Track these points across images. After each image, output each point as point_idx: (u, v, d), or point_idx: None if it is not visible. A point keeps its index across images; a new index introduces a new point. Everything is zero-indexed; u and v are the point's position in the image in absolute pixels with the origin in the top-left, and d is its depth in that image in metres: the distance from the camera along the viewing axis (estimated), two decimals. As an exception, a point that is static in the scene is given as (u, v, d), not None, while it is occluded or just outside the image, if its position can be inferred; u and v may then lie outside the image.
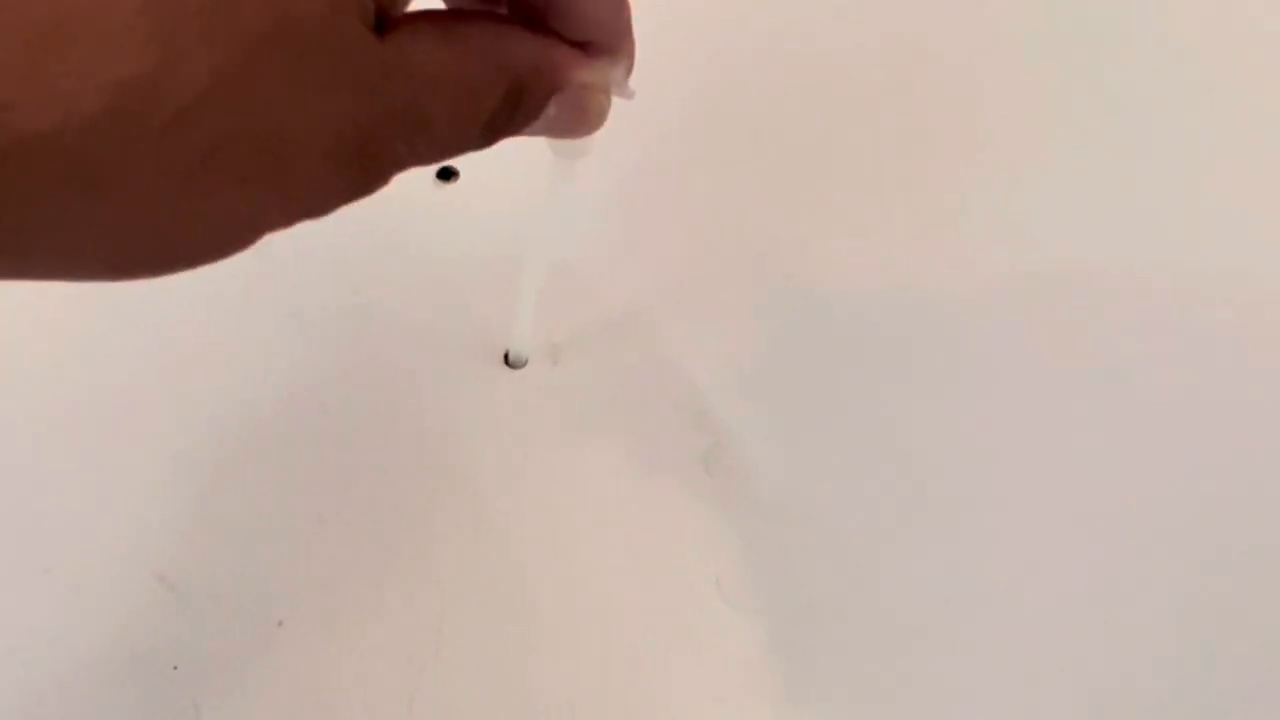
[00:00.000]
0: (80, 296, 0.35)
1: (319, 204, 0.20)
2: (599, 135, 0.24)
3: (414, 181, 0.29)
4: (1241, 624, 0.33)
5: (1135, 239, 0.39)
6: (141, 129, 0.16)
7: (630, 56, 0.24)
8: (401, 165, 0.21)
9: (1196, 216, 0.40)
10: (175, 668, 0.31)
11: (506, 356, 0.36)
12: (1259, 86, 0.44)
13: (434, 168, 0.38)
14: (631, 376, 0.36)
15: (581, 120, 0.23)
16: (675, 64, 0.42)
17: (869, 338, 0.37)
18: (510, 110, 0.21)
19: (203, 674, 0.31)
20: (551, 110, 0.22)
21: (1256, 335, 0.38)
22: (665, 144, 0.40)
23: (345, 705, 0.31)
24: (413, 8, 0.21)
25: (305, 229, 0.20)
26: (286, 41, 0.18)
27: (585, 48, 0.23)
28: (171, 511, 0.33)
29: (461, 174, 0.39)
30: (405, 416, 0.35)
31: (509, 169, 0.38)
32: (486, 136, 0.22)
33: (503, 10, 0.23)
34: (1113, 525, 0.34)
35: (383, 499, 0.34)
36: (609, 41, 0.23)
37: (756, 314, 0.37)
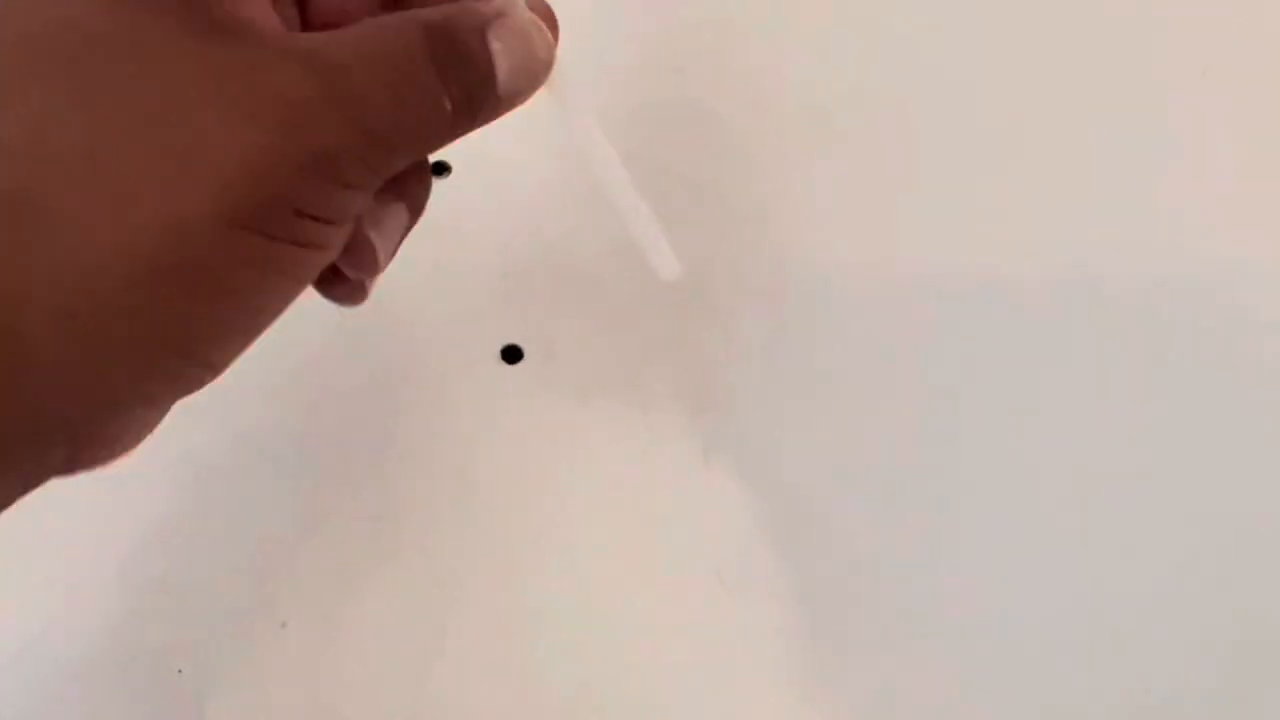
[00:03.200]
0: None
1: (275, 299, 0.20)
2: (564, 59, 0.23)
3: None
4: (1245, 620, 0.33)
5: (1136, 238, 0.39)
6: None
7: None
8: (361, 154, 0.19)
9: (1198, 216, 0.40)
10: (179, 671, 0.31)
11: (503, 353, 0.36)
12: (1260, 86, 0.43)
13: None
14: (628, 370, 0.36)
15: (527, 41, 0.22)
16: (676, 55, 0.42)
17: (869, 328, 0.37)
18: (453, 67, 0.20)
19: (207, 676, 0.31)
20: (497, 45, 0.21)
21: (1257, 335, 0.37)
22: (664, 134, 0.40)
23: (350, 705, 0.31)
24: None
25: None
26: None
27: None
28: (172, 514, 0.33)
29: (454, 169, 0.39)
30: (403, 414, 0.35)
31: (501, 161, 0.38)
32: (457, 100, 0.20)
33: None
34: (1118, 511, 0.34)
35: (383, 498, 0.34)
36: None
37: (756, 305, 0.37)
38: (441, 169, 0.38)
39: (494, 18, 0.21)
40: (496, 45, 0.21)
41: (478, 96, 0.21)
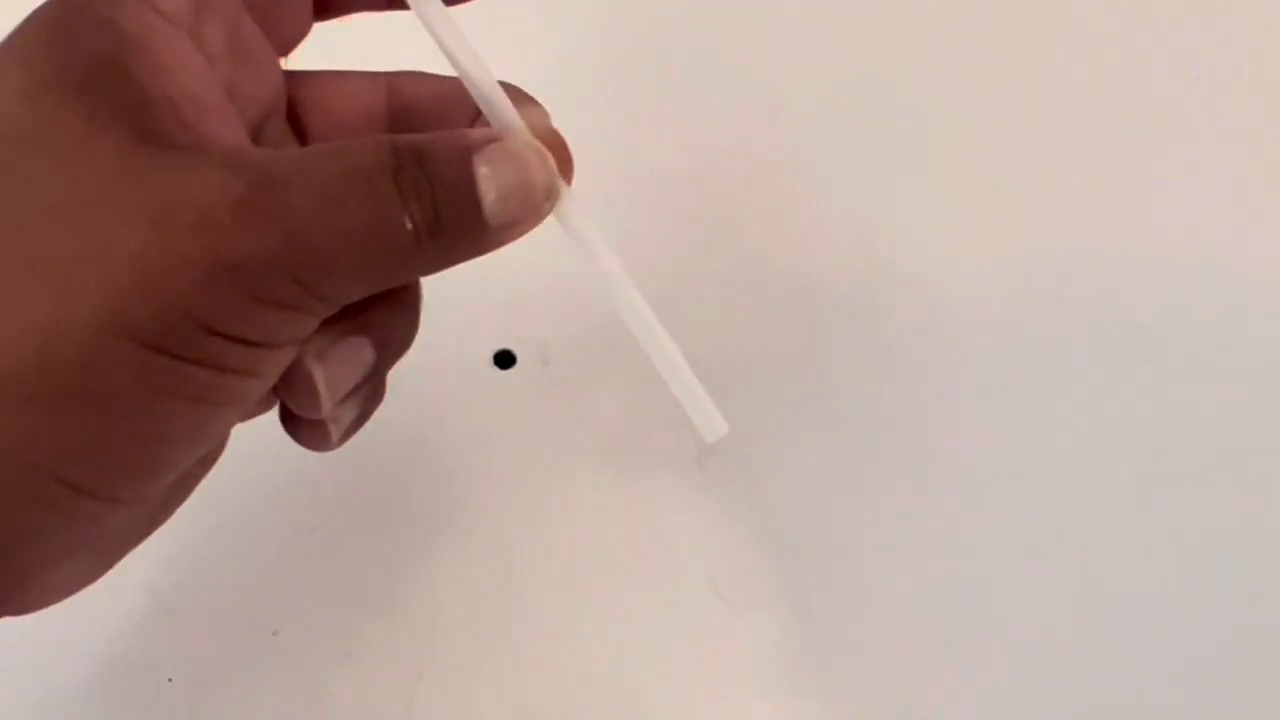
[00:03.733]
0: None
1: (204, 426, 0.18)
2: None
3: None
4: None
5: (1138, 240, 0.39)
6: None
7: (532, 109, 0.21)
8: (276, 330, 0.18)
9: (1197, 216, 0.40)
10: (170, 680, 0.31)
11: (496, 358, 0.36)
12: (1259, 88, 0.43)
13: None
14: (622, 376, 0.36)
15: (522, 164, 0.20)
16: (668, 62, 0.42)
17: (862, 334, 0.37)
18: (419, 186, 0.18)
19: (199, 685, 0.31)
20: (484, 169, 0.19)
21: (1259, 336, 0.37)
22: (655, 142, 0.40)
23: (343, 713, 0.31)
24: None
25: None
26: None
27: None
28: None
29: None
30: (395, 422, 0.35)
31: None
32: (424, 231, 0.18)
33: None
34: (1122, 522, 0.34)
35: (374, 506, 0.33)
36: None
37: (749, 312, 0.37)
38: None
39: (485, 142, 0.19)
40: (483, 170, 0.19)
41: (451, 221, 0.19)
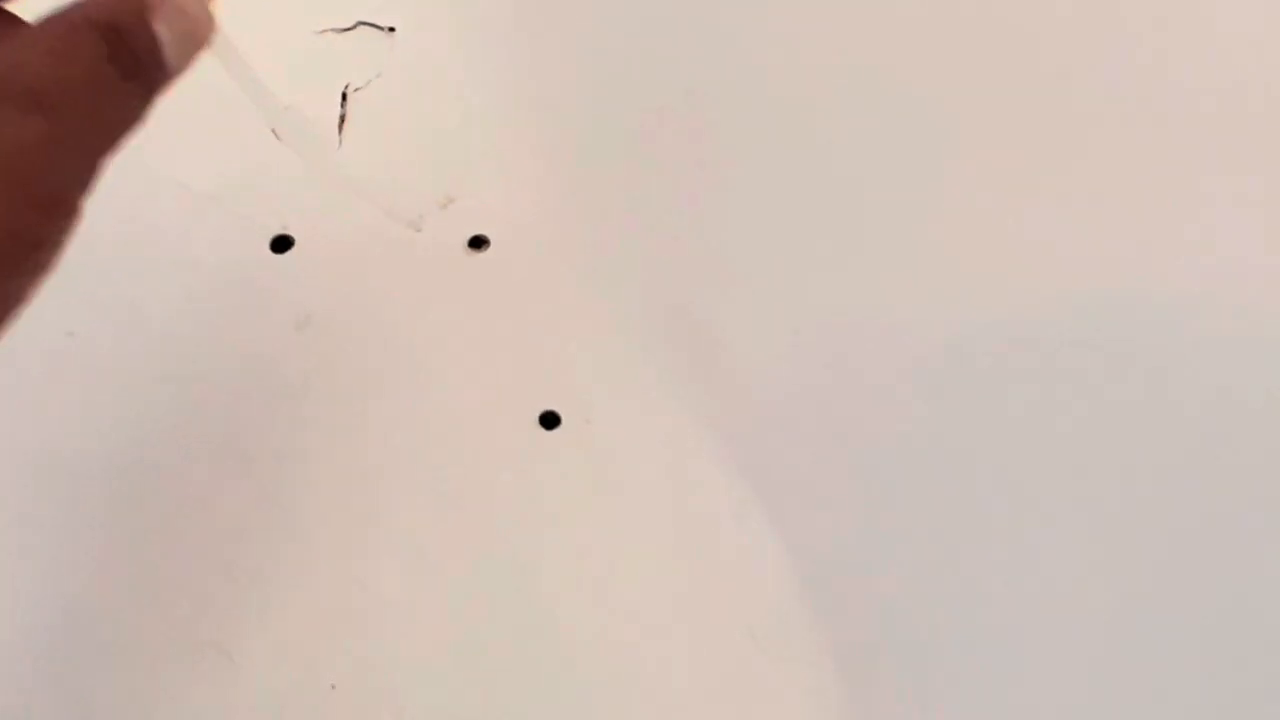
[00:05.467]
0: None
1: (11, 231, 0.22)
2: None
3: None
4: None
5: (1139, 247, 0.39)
6: None
7: None
8: (65, 151, 0.22)
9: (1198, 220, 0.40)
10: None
11: (542, 418, 0.37)
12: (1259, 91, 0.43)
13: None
14: (664, 432, 0.37)
15: (187, 16, 0.26)
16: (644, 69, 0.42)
17: (899, 385, 0.37)
18: (126, 47, 0.24)
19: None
20: (162, 26, 0.25)
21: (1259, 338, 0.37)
22: (667, 187, 0.41)
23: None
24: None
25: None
26: None
27: None
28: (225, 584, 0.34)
29: (492, 242, 0.40)
30: (445, 480, 0.36)
31: (537, 232, 0.40)
32: (130, 77, 0.24)
33: None
34: (1151, 564, 0.34)
35: (425, 556, 0.35)
36: None
37: (781, 367, 0.38)
38: (481, 242, 0.40)
39: (159, 4, 0.25)
40: (161, 28, 0.25)
41: (146, 67, 0.24)
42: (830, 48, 0.44)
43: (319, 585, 0.34)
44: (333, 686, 0.33)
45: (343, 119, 0.41)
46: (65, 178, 0.23)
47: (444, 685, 0.33)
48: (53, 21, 0.23)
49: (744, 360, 0.38)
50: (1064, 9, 0.44)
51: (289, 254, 0.39)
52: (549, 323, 0.38)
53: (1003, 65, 0.43)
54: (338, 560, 0.34)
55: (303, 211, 0.39)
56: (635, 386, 0.37)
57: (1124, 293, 0.39)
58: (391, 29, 0.43)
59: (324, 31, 0.43)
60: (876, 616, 0.34)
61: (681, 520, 0.35)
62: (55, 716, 0.32)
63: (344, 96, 0.42)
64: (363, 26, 0.43)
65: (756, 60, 0.43)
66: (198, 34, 0.26)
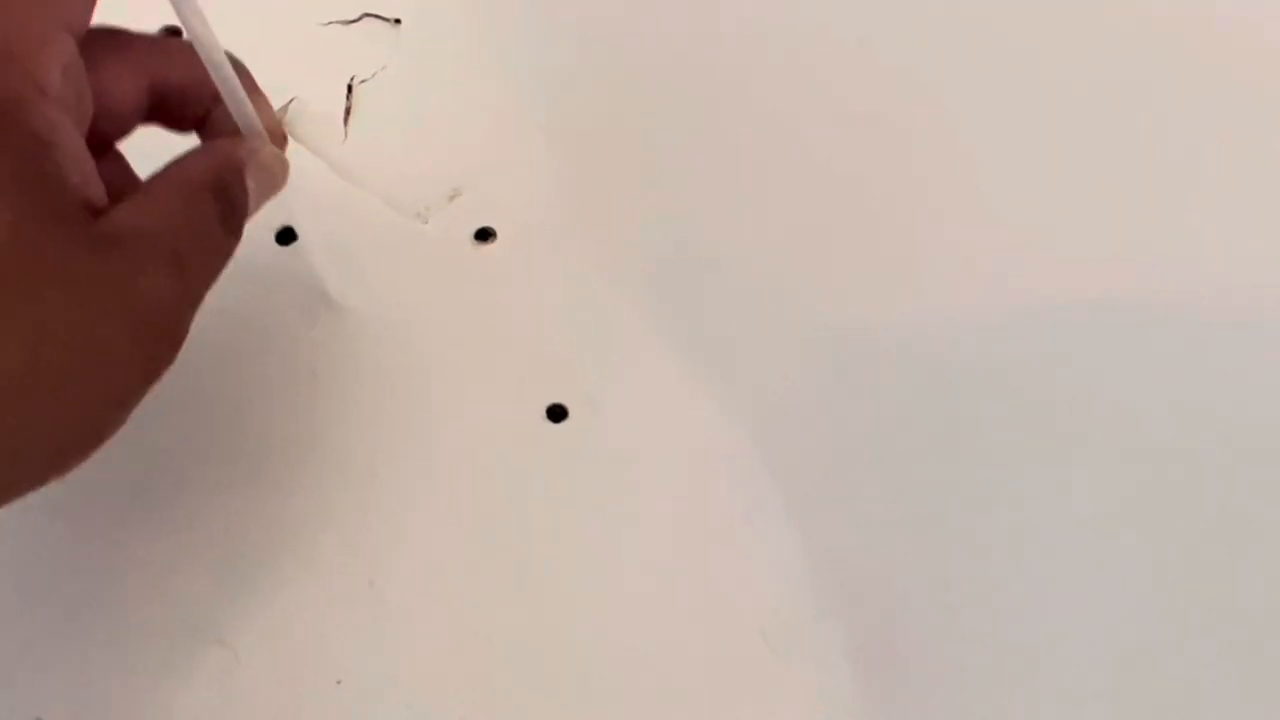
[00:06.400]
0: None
1: (149, 369, 0.25)
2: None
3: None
4: None
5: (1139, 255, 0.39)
6: None
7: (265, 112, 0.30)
8: (191, 303, 0.26)
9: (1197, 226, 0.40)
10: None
11: (549, 411, 0.37)
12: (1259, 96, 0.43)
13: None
14: (672, 429, 0.36)
15: (270, 172, 0.29)
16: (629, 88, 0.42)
17: (911, 386, 0.37)
18: (230, 206, 0.27)
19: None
20: (253, 184, 0.28)
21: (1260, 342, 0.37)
22: (676, 191, 0.41)
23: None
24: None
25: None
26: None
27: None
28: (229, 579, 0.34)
29: (499, 235, 0.40)
30: (447, 472, 0.36)
31: (542, 229, 0.39)
32: (231, 231, 0.27)
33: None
34: (1172, 572, 0.34)
35: (429, 551, 0.34)
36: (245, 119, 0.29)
37: (790, 366, 0.38)
38: (488, 235, 0.40)
39: (248, 159, 0.28)
40: (251, 184, 0.28)
41: (240, 218, 0.28)
42: (840, 50, 0.43)
43: (324, 580, 0.34)
44: (338, 681, 0.32)
45: (348, 111, 0.41)
46: (188, 322, 0.26)
47: (450, 681, 0.33)
48: (173, 182, 0.26)
49: (755, 357, 0.37)
50: (1065, 10, 0.44)
51: (293, 246, 0.38)
52: (556, 316, 0.38)
53: (1005, 70, 0.43)
54: (343, 555, 0.34)
55: (307, 204, 0.39)
56: (643, 381, 0.37)
57: (1133, 293, 0.39)
58: (397, 21, 0.43)
59: (329, 24, 0.42)
60: (891, 618, 0.33)
61: (691, 519, 0.35)
62: (56, 714, 0.32)
63: (349, 89, 0.41)
64: (368, 19, 0.43)
65: (767, 59, 0.43)
66: (275, 185, 0.30)
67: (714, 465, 0.36)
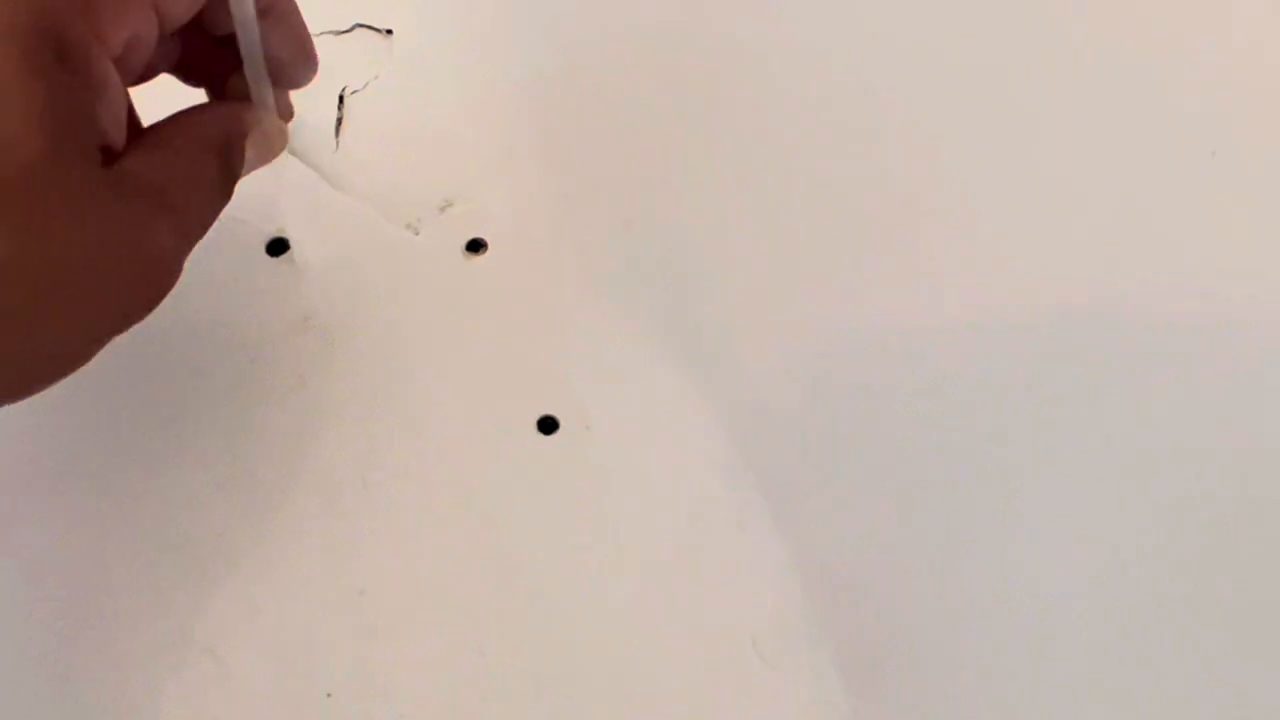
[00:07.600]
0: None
1: (134, 313, 0.26)
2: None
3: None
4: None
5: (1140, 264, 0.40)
6: None
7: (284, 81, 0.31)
8: (182, 256, 0.27)
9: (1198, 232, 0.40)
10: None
11: (540, 423, 0.37)
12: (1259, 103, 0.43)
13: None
14: (664, 440, 0.36)
15: (269, 143, 0.31)
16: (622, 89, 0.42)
17: (901, 394, 0.37)
18: (228, 169, 0.29)
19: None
20: (251, 152, 0.29)
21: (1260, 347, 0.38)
22: (677, 198, 0.41)
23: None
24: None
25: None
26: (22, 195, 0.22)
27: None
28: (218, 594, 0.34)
29: (490, 246, 0.40)
30: (444, 487, 0.36)
31: (536, 240, 0.39)
32: (225, 192, 0.29)
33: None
34: (1161, 573, 0.34)
35: (420, 562, 0.34)
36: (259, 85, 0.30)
37: (784, 376, 0.38)
38: (479, 246, 0.40)
39: (250, 126, 0.30)
40: (249, 152, 0.29)
41: (234, 181, 0.29)
42: (835, 57, 0.44)
43: (315, 590, 0.34)
44: (329, 694, 0.32)
45: (340, 122, 0.41)
46: (177, 273, 0.27)
47: (442, 693, 0.32)
48: (186, 137, 0.28)
49: (746, 365, 0.38)
50: (1063, 11, 0.45)
51: (284, 257, 0.38)
52: (547, 327, 0.38)
53: (998, 74, 0.43)
54: (334, 565, 0.34)
55: (299, 215, 0.39)
56: (635, 392, 0.37)
57: (1128, 295, 0.39)
58: (389, 31, 0.43)
59: (321, 34, 0.42)
60: (883, 626, 0.33)
61: (682, 528, 0.35)
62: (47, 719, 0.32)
63: (341, 99, 0.41)
64: (360, 29, 0.43)
65: (755, 71, 0.43)
66: (270, 155, 0.31)
67: (706, 475, 0.36)
